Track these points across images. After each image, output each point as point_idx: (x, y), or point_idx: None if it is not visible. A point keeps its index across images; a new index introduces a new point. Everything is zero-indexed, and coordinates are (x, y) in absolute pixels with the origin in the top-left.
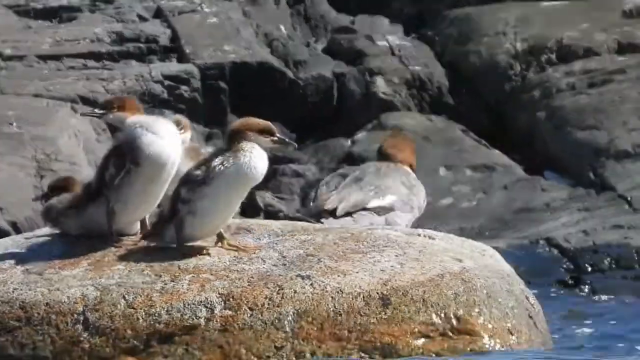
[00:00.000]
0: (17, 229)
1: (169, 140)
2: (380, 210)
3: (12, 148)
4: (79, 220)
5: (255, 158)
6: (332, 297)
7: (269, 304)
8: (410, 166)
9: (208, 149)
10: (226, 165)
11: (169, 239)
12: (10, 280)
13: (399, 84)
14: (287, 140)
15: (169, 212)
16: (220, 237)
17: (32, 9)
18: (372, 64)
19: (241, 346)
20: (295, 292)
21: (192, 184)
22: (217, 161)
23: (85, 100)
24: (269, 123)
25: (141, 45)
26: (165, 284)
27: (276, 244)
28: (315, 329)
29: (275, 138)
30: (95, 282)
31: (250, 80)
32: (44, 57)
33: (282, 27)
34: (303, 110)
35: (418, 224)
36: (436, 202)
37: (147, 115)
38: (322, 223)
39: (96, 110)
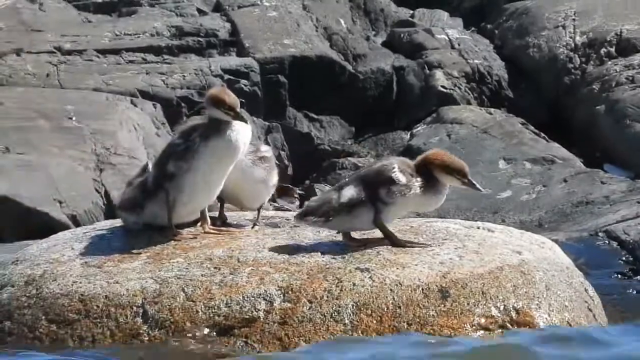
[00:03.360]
0: (77, 222)
1: (241, 129)
2: None
3: (71, 142)
4: (139, 215)
5: None
6: (390, 289)
7: (327, 297)
8: None
9: (264, 147)
10: None
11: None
12: (69, 273)
13: (458, 78)
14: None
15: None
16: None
17: (91, 3)
18: (432, 57)
19: (300, 339)
20: (354, 284)
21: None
22: None
23: (145, 95)
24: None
25: (200, 39)
26: (225, 276)
27: (335, 236)
28: (375, 321)
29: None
30: (155, 274)
31: (309, 74)
32: (103, 52)
33: (342, 21)
34: (362, 104)
35: (478, 216)
36: (495, 194)
37: None
38: None
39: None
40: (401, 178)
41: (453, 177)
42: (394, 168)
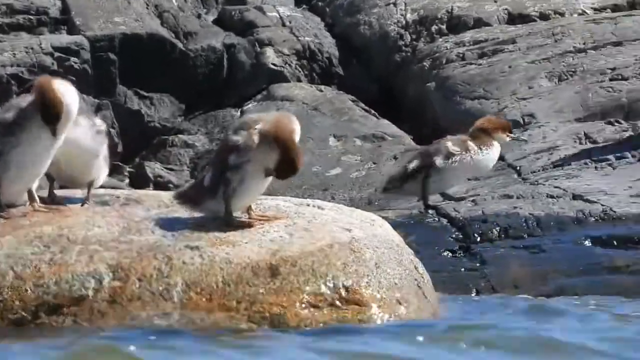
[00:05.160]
0: None
1: (71, 99)
2: None
3: None
4: None
5: None
6: (220, 267)
7: (157, 275)
8: None
9: (97, 120)
10: None
11: (212, 210)
12: None
13: (289, 55)
14: None
15: (212, 181)
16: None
17: None
18: (262, 35)
19: (129, 317)
20: (184, 262)
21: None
22: None
23: None
24: None
25: (31, 17)
26: (54, 255)
27: (166, 214)
28: (204, 299)
29: None
30: None
31: (140, 51)
32: None
33: None
34: (193, 82)
35: (308, 194)
36: (325, 172)
37: None
38: None
39: None
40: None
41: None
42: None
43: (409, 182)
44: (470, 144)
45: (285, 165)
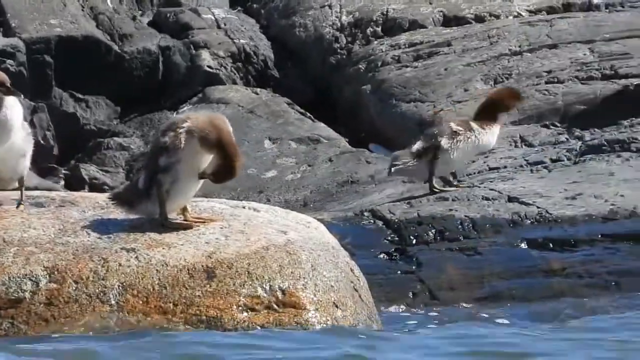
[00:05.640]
0: None
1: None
2: None
3: None
4: None
5: None
6: (156, 269)
7: (93, 277)
8: None
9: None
10: None
11: (147, 211)
12: None
13: (224, 58)
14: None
15: (146, 183)
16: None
17: None
18: (198, 37)
19: (66, 319)
20: (120, 264)
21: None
22: None
23: None
24: None
25: None
26: None
27: (101, 216)
28: (141, 302)
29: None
30: None
31: (76, 54)
32: None
33: (108, 1)
34: (128, 84)
35: (243, 196)
36: (261, 174)
37: None
38: None
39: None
40: None
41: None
42: None
43: (417, 163)
44: (473, 123)
45: (226, 170)
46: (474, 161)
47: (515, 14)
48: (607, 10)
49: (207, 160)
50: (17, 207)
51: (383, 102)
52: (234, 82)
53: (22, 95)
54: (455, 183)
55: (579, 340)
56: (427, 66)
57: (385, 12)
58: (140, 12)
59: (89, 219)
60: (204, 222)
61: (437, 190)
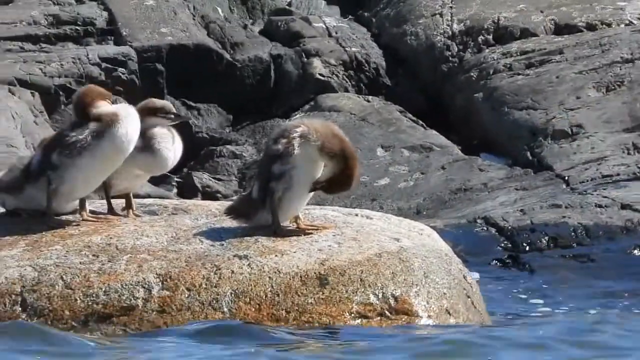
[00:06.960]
0: None
1: (130, 127)
2: None
3: None
4: (17, 199)
5: None
6: (269, 277)
7: (206, 284)
8: None
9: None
10: None
11: (263, 221)
12: None
13: (336, 65)
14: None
15: (260, 193)
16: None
17: None
18: (309, 45)
19: (179, 327)
20: (232, 272)
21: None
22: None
23: (23, 83)
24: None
25: (78, 27)
26: (103, 264)
27: (214, 224)
28: (253, 309)
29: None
30: (33, 262)
31: (187, 62)
32: None
33: (219, 10)
34: (240, 92)
35: (356, 204)
36: (373, 182)
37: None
38: None
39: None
40: None
41: None
42: None
43: None
44: None
45: (343, 182)
46: (587, 169)
47: (627, 22)
48: None
49: (321, 168)
50: (128, 214)
51: (495, 110)
52: (346, 90)
53: (191, 119)
54: None
55: None
56: (539, 74)
57: (496, 21)
58: (251, 20)
59: (202, 227)
60: (317, 230)
61: None
